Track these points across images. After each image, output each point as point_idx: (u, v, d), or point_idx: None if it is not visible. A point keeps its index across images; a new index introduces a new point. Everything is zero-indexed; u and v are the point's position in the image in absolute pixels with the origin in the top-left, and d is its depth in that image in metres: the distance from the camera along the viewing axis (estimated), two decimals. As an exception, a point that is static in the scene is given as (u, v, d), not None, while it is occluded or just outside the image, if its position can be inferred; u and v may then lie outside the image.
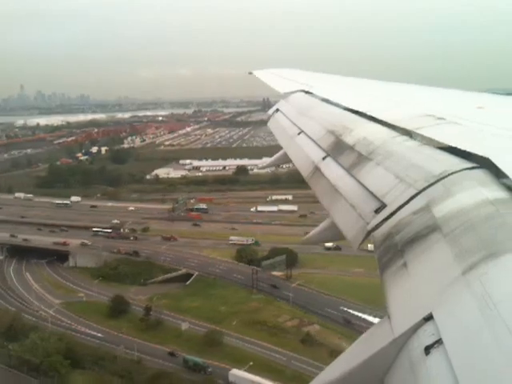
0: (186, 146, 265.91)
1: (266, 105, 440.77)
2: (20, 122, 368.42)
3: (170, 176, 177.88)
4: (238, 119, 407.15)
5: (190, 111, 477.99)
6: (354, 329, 63.38)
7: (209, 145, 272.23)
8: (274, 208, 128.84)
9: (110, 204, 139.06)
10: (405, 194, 3.80)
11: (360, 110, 7.00)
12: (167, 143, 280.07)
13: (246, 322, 69.97)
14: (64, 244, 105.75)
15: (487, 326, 2.00)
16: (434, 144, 4.54)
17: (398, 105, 7.77)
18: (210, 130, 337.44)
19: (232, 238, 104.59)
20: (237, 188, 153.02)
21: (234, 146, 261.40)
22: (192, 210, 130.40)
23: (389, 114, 6.23)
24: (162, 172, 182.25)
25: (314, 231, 6.39)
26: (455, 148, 4.06)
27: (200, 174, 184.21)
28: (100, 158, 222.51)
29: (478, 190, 3.22)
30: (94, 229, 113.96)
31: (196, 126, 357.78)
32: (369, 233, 3.82)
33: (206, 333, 66.47)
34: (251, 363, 58.72)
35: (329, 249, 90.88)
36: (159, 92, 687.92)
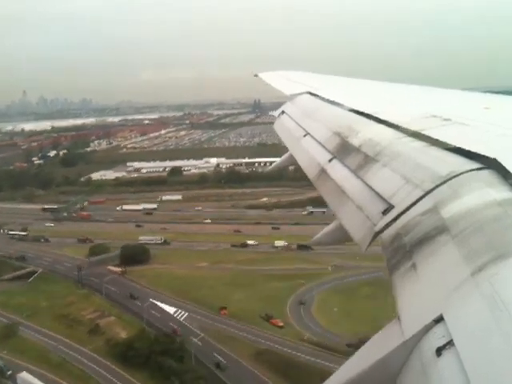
0: (147, 149, 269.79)
1: (256, 106, 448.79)
2: (8, 127, 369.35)
3: (105, 178, 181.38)
4: (223, 121, 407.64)
5: (180, 114, 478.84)
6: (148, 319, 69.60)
7: (172, 146, 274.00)
8: (139, 207, 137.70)
9: (20, 206, 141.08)
10: (412, 195, 3.80)
11: (366, 111, 7.00)
12: (130, 146, 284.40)
13: (55, 315, 72.49)
14: None
15: (498, 327, 2.00)
16: (441, 145, 4.54)
17: (403, 106, 7.77)
18: (183, 133, 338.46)
19: (141, 237, 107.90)
20: (164, 189, 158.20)
21: (197, 147, 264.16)
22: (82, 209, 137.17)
23: (395, 116, 6.23)
24: (99, 174, 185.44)
25: (321, 233, 6.39)
26: (462, 149, 4.05)
27: (136, 175, 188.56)
28: (54, 161, 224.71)
29: (485, 191, 3.22)
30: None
31: (172, 129, 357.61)
32: (376, 234, 3.82)
33: (4, 325, 68.34)
34: (32, 353, 61.92)
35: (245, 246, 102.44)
36: (161, 95, 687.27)
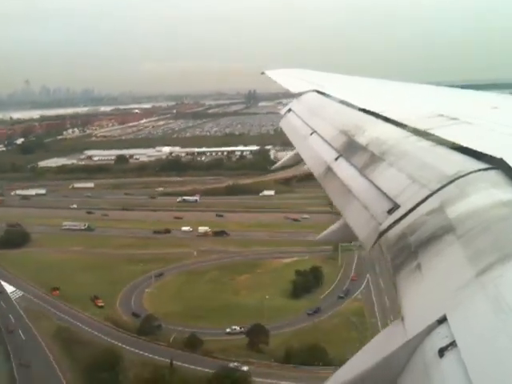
0: (117, 137, 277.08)
1: (251, 97, 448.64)
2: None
3: (55, 165, 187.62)
4: (211, 111, 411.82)
5: (173, 104, 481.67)
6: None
7: (142, 135, 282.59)
8: (32, 192, 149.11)
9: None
10: (418, 194, 3.78)
11: (372, 109, 6.98)
12: (100, 135, 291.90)
13: None
14: None
15: (501, 329, 1.99)
16: (448, 144, 4.52)
17: (410, 105, 7.73)
18: (161, 122, 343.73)
19: (65, 223, 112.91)
20: (107, 176, 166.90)
21: (167, 136, 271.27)
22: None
23: (401, 114, 6.20)
24: (51, 161, 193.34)
25: (326, 231, 6.38)
26: (469, 149, 4.03)
27: (83, 163, 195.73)
28: (16, 149, 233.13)
29: (492, 192, 3.20)
30: None
31: (154, 118, 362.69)
32: (381, 234, 3.81)
33: None
34: None
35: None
36: (163, 85, 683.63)
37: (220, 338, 65.52)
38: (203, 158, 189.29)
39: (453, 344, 2.14)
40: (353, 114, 7.54)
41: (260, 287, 78.80)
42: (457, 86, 8.35)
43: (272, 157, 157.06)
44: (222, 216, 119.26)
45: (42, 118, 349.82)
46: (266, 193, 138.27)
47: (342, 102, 8.68)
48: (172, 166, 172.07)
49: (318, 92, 10.60)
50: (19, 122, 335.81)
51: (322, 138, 7.34)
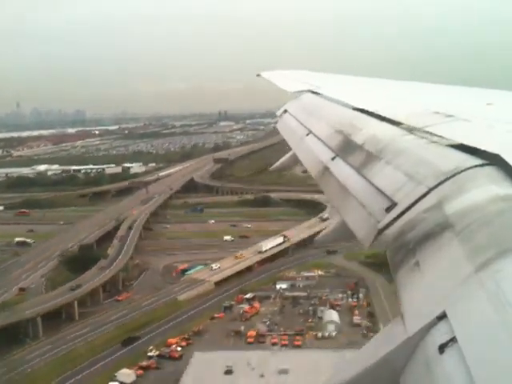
0: (31, 157, 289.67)
1: (221, 118, 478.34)
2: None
3: None
4: (165, 131, 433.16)
5: (140, 125, 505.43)
6: None
7: (61, 154, 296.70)
8: None
9: None
10: (415, 192, 3.78)
11: (368, 109, 6.99)
12: (16, 155, 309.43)
13: None
14: None
15: (501, 324, 1.99)
16: (444, 141, 4.52)
17: (405, 103, 7.75)
18: (97, 142, 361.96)
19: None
20: None
21: (84, 155, 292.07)
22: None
23: (397, 113, 6.21)
24: None
25: (325, 231, 6.40)
26: (465, 145, 4.04)
27: None
28: None
29: (489, 187, 3.20)
30: None
31: (93, 139, 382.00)
32: (380, 232, 3.81)
33: None
34: None
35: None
36: (158, 106, 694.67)
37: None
38: (78, 175, 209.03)
39: (453, 340, 2.13)
40: (349, 113, 7.55)
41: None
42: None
43: (131, 172, 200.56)
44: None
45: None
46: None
47: (338, 102, 8.69)
48: (23, 182, 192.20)
49: (314, 92, 10.62)
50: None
51: (318, 138, 7.35)
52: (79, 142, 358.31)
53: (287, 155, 10.28)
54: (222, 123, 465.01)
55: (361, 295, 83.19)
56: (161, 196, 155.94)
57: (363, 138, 5.88)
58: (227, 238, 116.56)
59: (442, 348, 2.15)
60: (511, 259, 2.33)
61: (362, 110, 7.13)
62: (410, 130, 5.37)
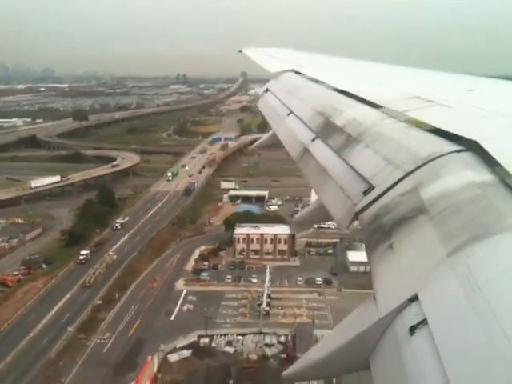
0: None
1: (178, 81, 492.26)
2: None
3: None
4: (110, 91, 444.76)
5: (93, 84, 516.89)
6: None
7: None
8: None
9: None
10: (393, 176, 3.81)
11: (350, 91, 6.97)
12: None
13: None
14: None
15: (471, 308, 2.03)
16: (423, 126, 4.55)
17: (388, 86, 7.75)
18: (25, 99, 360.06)
19: None
20: None
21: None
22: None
23: (378, 96, 6.21)
24: None
25: (302, 212, 6.42)
26: (444, 131, 4.07)
27: None
28: None
29: (465, 173, 3.24)
30: None
31: (21, 95, 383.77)
32: (356, 214, 3.84)
33: None
34: None
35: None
36: (130, 68, 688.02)
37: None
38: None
39: (423, 322, 2.18)
40: (331, 94, 7.52)
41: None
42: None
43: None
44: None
45: None
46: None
47: (320, 83, 8.64)
48: None
49: (296, 72, 10.53)
50: None
51: (299, 118, 7.31)
52: (9, 97, 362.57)
53: (267, 134, 10.22)
54: (172, 86, 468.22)
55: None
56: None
57: (344, 120, 5.87)
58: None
59: (412, 329, 2.20)
60: (483, 244, 2.37)
61: (344, 92, 7.10)
62: (391, 113, 5.38)
